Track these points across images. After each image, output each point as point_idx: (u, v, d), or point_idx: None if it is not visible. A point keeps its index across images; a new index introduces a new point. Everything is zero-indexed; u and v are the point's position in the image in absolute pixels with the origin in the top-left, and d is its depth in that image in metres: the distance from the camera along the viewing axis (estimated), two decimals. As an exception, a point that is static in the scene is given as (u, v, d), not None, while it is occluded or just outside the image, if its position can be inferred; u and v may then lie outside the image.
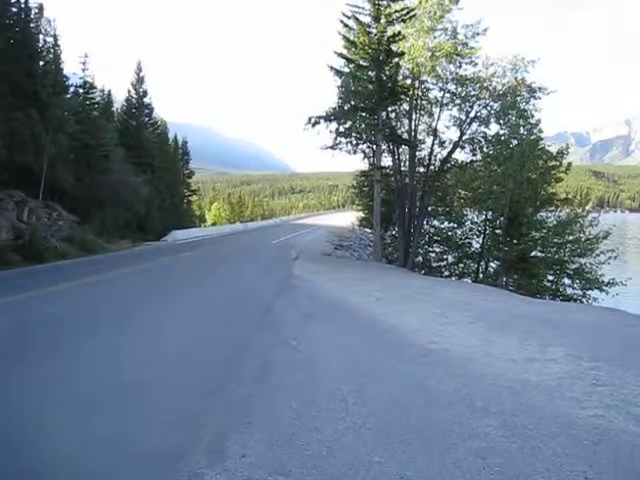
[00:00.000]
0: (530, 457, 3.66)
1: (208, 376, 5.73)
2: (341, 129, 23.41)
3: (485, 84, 23.90)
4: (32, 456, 3.76)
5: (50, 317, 8.90)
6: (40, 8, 25.38)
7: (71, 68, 30.34)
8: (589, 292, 21.05)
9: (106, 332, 7.87)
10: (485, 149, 24.51)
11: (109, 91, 40.54)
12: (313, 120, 22.72)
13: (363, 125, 23.83)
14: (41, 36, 25.70)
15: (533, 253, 22.57)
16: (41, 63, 25.25)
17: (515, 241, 22.33)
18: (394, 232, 28.86)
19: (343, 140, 24.00)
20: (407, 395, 5.07)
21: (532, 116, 22.96)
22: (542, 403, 4.76)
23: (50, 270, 16.85)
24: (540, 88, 23.41)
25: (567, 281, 22.11)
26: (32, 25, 24.82)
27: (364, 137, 24.69)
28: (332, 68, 23.10)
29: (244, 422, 4.32)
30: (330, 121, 23.00)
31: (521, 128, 22.54)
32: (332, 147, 23.71)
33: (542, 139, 23.27)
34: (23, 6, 24.02)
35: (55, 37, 27.14)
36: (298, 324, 8.58)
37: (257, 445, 3.90)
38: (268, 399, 4.94)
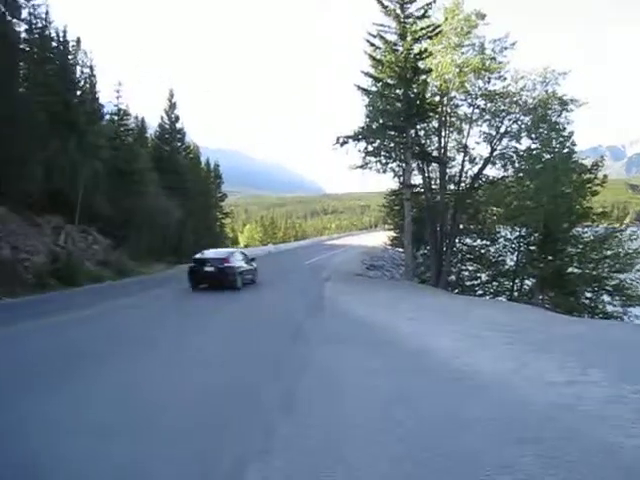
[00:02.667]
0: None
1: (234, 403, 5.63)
2: (370, 148, 23.33)
3: (515, 98, 23.69)
4: None
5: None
6: (78, 41, 26.30)
7: (106, 96, 31.22)
8: (630, 309, 20.34)
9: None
10: (517, 164, 24.13)
11: (142, 118, 41.39)
12: (341, 140, 22.72)
13: (392, 143, 23.75)
14: (78, 67, 26.56)
15: (570, 269, 21.94)
16: (78, 93, 26.01)
17: (550, 257, 21.80)
18: (426, 251, 28.53)
19: (372, 159, 23.93)
20: (438, 421, 4.87)
21: (564, 129, 22.56)
22: (582, 430, 4.51)
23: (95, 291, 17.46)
24: (572, 100, 23.08)
25: (606, 298, 21.39)
26: (70, 57, 25.72)
27: (393, 156, 24.59)
28: (359, 87, 23.14)
29: (264, 449, 4.19)
30: (358, 140, 22.96)
31: (553, 141, 22.10)
32: (361, 166, 23.65)
33: (575, 152, 22.78)
34: (62, 40, 24.94)
35: (91, 67, 27.96)
36: (327, 347, 8.44)
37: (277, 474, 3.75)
38: (293, 425, 4.79)
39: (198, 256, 18.88)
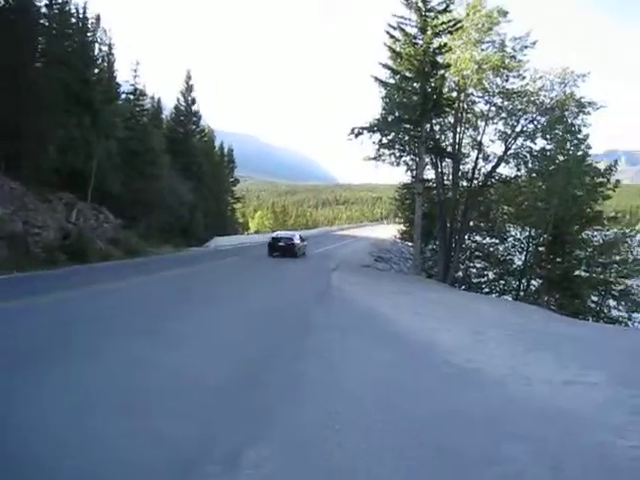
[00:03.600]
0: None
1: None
2: (384, 140, 23.31)
3: (532, 98, 23.44)
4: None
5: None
6: (97, 18, 26.41)
7: (123, 75, 31.31)
8: (635, 315, 20.30)
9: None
10: (530, 164, 23.99)
11: (159, 98, 41.58)
12: (356, 131, 22.69)
13: (407, 137, 23.72)
14: (96, 45, 26.64)
15: (577, 272, 21.93)
16: (95, 71, 26.10)
17: (559, 259, 21.81)
18: (434, 246, 28.51)
19: (386, 152, 23.95)
20: (438, 416, 4.94)
21: (580, 131, 22.43)
22: (578, 430, 4.59)
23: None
24: (590, 103, 22.81)
25: (612, 303, 21.35)
26: (89, 34, 25.79)
27: (407, 149, 24.58)
28: (377, 79, 23.06)
29: (265, 427, 4.31)
30: (373, 132, 22.93)
31: (568, 143, 21.99)
32: (375, 158, 23.67)
33: (589, 155, 22.66)
34: (82, 16, 24.98)
35: (110, 46, 28.14)
36: (333, 336, 8.49)
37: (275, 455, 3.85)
38: (296, 408, 4.89)
39: (274, 235, 29.78)
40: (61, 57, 22.54)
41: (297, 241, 27.66)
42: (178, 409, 4.69)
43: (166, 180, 31.16)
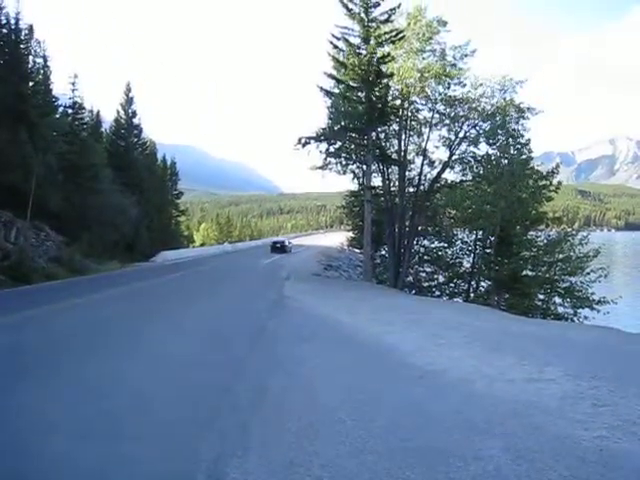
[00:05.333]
0: (537, 481, 3.55)
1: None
2: (331, 149, 23.49)
3: (474, 105, 24.13)
4: None
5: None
6: (30, 29, 25.39)
7: (60, 88, 30.37)
8: (580, 310, 21.01)
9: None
10: (475, 169, 24.65)
11: (98, 111, 40.45)
12: (303, 140, 22.77)
13: (353, 145, 23.97)
14: (31, 57, 25.66)
15: (524, 272, 22.56)
16: (30, 84, 25.17)
17: (506, 260, 22.37)
18: (384, 252, 28.83)
19: (333, 160, 24.15)
20: (407, 417, 4.97)
21: (521, 136, 23.22)
22: (545, 424, 4.65)
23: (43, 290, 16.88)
24: (529, 108, 23.64)
25: (558, 300, 22.05)
26: (22, 46, 24.79)
27: (354, 157, 24.83)
28: (322, 89, 23.20)
29: (242, 447, 4.19)
30: (320, 141, 23.06)
31: (511, 148, 22.72)
32: (322, 167, 23.80)
33: (532, 159, 23.50)
34: (14, 27, 23.99)
35: (45, 58, 27.17)
36: (291, 345, 8.48)
37: (257, 470, 3.76)
38: (265, 423, 4.81)
39: (274, 240, 53.44)
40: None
41: (287, 243, 49.64)
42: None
43: (108, 195, 30.31)
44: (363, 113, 22.40)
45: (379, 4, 22.24)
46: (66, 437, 4.41)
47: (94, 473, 3.79)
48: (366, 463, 3.87)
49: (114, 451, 4.10)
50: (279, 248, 46.15)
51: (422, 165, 25.66)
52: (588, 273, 21.35)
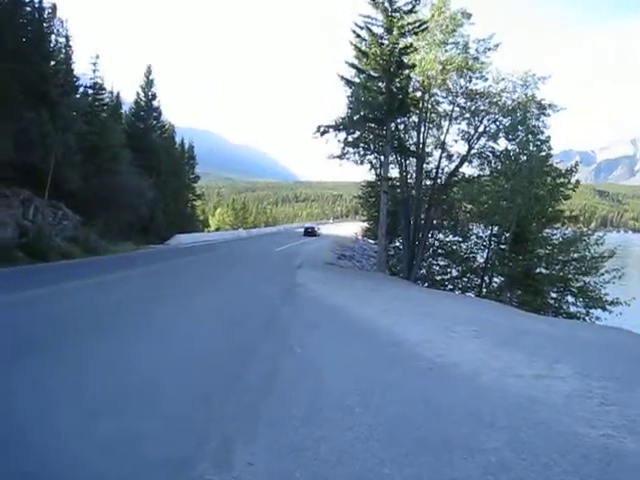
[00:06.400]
0: (541, 475, 3.60)
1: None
2: (349, 139, 23.34)
3: (495, 99, 23.92)
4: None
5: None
6: (53, 8, 25.40)
7: (82, 68, 30.48)
8: (592, 311, 20.86)
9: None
10: (493, 164, 24.49)
11: (118, 93, 40.50)
12: (322, 129, 22.67)
13: (371, 136, 23.85)
14: (53, 36, 25.73)
15: (538, 270, 22.42)
16: (52, 63, 25.20)
17: (520, 257, 22.25)
18: (398, 244, 28.80)
19: (351, 150, 23.99)
20: (414, 408, 5.02)
21: (542, 133, 22.94)
22: (551, 420, 4.69)
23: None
24: (550, 105, 23.42)
25: (570, 299, 21.91)
26: (45, 25, 24.85)
27: (372, 148, 24.70)
28: (343, 78, 23.05)
29: (251, 427, 4.28)
30: (339, 131, 22.93)
31: (530, 144, 22.46)
32: (340, 157, 23.70)
33: (551, 156, 23.27)
34: (37, 6, 24.02)
35: (67, 37, 27.21)
36: (303, 333, 8.53)
37: (263, 453, 3.84)
38: (274, 408, 4.89)
39: (306, 225, 71.15)
40: (15, 49, 21.68)
41: (316, 229, 62.81)
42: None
43: (126, 176, 30.47)
44: (383, 103, 22.25)
45: (403, -6, 22.04)
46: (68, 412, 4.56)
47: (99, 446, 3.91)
48: (372, 449, 3.95)
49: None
50: (310, 232, 58.29)
51: (440, 158, 25.56)
52: (602, 274, 21.17)
